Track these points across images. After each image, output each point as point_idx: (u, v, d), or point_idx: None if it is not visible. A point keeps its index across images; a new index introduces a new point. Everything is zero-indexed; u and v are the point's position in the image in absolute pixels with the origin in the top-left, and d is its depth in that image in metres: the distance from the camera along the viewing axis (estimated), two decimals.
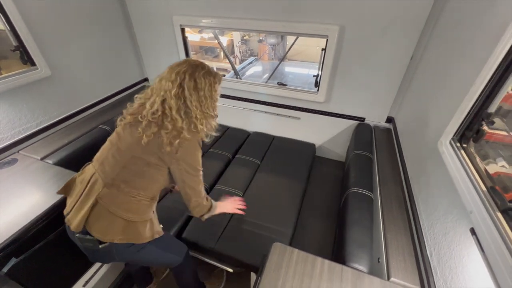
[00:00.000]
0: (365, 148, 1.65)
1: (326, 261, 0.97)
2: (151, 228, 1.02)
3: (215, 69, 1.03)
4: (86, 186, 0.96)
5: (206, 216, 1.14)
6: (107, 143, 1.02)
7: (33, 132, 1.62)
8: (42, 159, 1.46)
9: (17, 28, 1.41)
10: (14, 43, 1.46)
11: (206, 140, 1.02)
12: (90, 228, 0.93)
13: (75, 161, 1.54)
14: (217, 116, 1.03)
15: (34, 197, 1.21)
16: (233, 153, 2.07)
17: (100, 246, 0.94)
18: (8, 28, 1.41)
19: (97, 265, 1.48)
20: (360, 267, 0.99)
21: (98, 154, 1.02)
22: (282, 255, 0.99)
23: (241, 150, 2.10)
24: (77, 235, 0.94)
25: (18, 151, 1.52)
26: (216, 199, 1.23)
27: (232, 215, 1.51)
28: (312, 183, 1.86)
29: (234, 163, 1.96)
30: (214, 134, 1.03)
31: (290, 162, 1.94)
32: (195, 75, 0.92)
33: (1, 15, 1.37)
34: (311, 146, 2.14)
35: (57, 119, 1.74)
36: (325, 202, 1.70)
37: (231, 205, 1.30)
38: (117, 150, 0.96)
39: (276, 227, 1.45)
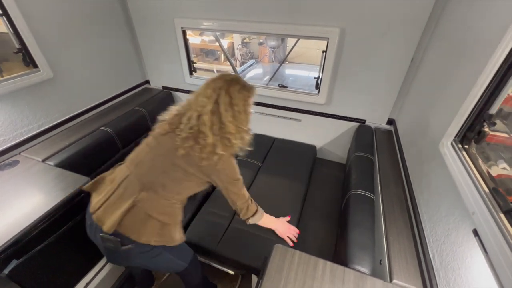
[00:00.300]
0: (366, 149, 1.65)
1: (328, 263, 0.97)
2: (180, 231, 1.05)
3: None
4: (118, 186, 0.97)
5: (251, 221, 1.16)
6: (143, 146, 1.04)
7: (35, 134, 1.63)
8: (43, 160, 1.47)
9: (20, 31, 1.42)
10: (17, 45, 1.46)
11: (240, 154, 1.04)
12: (124, 229, 0.93)
13: (76, 162, 1.54)
14: (250, 129, 1.04)
15: (35, 199, 1.21)
16: (234, 155, 2.07)
17: (122, 248, 0.95)
18: (12, 31, 1.42)
19: (99, 266, 1.48)
20: (362, 269, 0.98)
21: (132, 156, 1.04)
22: (283, 257, 0.99)
23: None
24: (101, 234, 0.94)
25: (19, 153, 1.52)
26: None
27: (233, 216, 1.51)
28: (313, 185, 1.85)
29: None
30: (248, 148, 1.04)
31: (291, 164, 1.94)
32: (230, 90, 0.94)
33: (5, 18, 1.38)
34: (312, 148, 2.13)
35: (58, 121, 1.75)
36: (325, 204, 1.70)
37: (284, 228, 1.31)
38: (156, 155, 0.99)
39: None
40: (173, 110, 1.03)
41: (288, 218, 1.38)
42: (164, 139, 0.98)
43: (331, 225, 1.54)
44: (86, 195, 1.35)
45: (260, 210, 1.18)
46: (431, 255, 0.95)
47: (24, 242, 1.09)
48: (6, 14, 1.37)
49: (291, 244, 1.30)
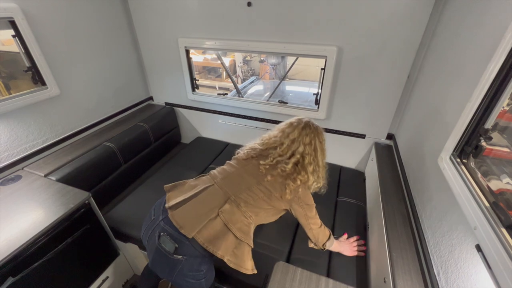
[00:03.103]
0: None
1: (331, 281, 0.95)
2: (252, 259, 1.06)
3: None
4: (200, 192, 1.04)
5: (327, 246, 1.23)
6: (226, 166, 1.16)
7: (39, 149, 1.65)
8: (45, 175, 1.48)
9: (31, 51, 1.49)
10: (27, 64, 1.53)
11: (322, 191, 1.16)
12: (202, 238, 0.96)
13: (78, 177, 1.55)
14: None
15: (35, 214, 1.21)
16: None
17: (174, 256, 0.96)
18: (23, 51, 1.49)
19: (97, 283, 1.45)
20: None
21: (216, 172, 1.14)
22: (285, 275, 0.97)
23: None
24: (163, 233, 0.98)
25: (23, 168, 1.54)
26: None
27: None
28: None
29: None
30: (325, 185, 1.17)
31: None
32: (320, 137, 1.11)
33: (18, 39, 1.45)
34: None
35: (63, 136, 1.78)
36: (322, 217, 1.67)
37: (349, 248, 1.35)
38: (243, 172, 1.09)
39: (275, 245, 1.42)
40: (257, 145, 1.15)
41: (345, 236, 1.43)
42: (249, 163, 1.10)
43: None
44: (87, 210, 1.35)
45: (331, 235, 1.25)
46: (436, 272, 0.92)
47: (22, 259, 1.07)
48: (19, 35, 1.44)
49: (362, 254, 1.37)
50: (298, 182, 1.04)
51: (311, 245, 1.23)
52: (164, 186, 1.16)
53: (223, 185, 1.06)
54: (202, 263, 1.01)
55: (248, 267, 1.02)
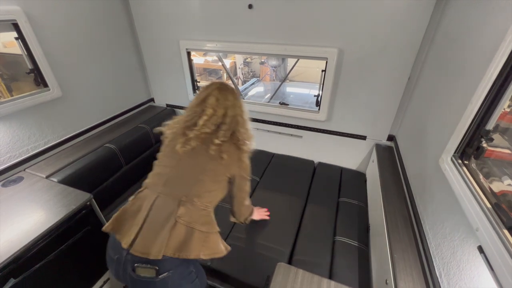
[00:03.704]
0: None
1: (332, 282, 0.94)
2: (222, 241, 1.06)
3: None
4: (149, 211, 0.93)
5: (249, 218, 1.31)
6: (161, 168, 1.04)
7: (41, 151, 1.65)
8: (47, 177, 1.48)
9: (33, 53, 1.50)
10: (30, 66, 1.54)
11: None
12: (171, 251, 0.89)
13: (80, 179, 1.56)
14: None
15: (37, 216, 1.21)
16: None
17: (159, 277, 0.90)
18: (26, 53, 1.50)
19: (97, 286, 1.44)
20: None
21: (152, 180, 1.02)
22: (286, 276, 0.97)
23: None
24: (137, 264, 0.89)
25: (24, 169, 1.54)
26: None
27: (229, 233, 1.50)
28: (311, 200, 1.82)
29: None
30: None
31: (290, 179, 1.94)
32: (239, 99, 1.10)
33: (21, 42, 1.46)
34: (311, 163, 2.14)
35: (64, 138, 1.79)
36: (323, 218, 1.67)
37: (257, 213, 1.49)
38: (183, 168, 1.01)
39: (276, 246, 1.42)
40: (205, 129, 1.00)
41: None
42: (189, 155, 1.00)
43: (328, 243, 1.50)
44: (88, 212, 1.35)
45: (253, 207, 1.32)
46: (438, 274, 0.92)
47: (23, 261, 1.08)
48: (22, 37, 1.45)
49: (268, 217, 1.55)
50: (248, 143, 1.06)
51: (233, 219, 1.28)
52: (103, 228, 0.97)
53: (169, 191, 0.97)
54: (189, 265, 0.97)
55: (221, 250, 1.01)
